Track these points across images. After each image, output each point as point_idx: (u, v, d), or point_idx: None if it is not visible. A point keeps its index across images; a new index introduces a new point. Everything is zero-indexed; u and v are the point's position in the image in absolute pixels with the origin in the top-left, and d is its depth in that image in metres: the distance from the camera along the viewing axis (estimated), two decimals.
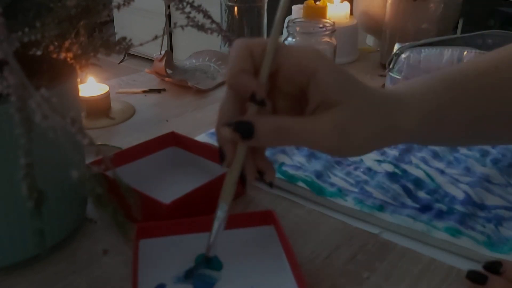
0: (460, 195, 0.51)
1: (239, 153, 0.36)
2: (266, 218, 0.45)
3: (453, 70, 0.41)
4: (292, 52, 0.36)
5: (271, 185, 0.39)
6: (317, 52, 0.35)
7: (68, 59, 0.42)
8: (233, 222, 0.44)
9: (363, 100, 0.36)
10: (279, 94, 0.37)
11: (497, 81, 0.40)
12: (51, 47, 0.41)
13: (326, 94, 0.35)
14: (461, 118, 0.40)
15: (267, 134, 0.34)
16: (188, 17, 0.41)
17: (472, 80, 0.40)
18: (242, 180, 0.37)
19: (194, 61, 0.96)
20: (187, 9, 0.40)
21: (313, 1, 0.96)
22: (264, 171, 0.37)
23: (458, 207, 0.49)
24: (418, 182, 0.54)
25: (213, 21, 0.42)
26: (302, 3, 0.97)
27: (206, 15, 0.41)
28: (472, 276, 0.40)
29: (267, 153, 0.58)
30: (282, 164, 0.56)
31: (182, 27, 0.41)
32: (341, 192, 0.51)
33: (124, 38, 0.41)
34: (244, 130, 0.34)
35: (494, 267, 0.39)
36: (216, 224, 0.38)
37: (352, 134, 0.35)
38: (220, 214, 0.38)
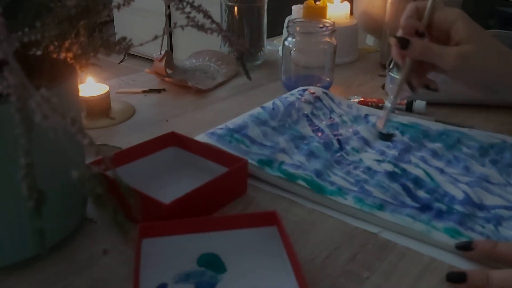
0: (459, 195, 0.51)
1: (407, 64, 0.57)
2: (269, 219, 0.45)
3: None
4: (441, 10, 0.56)
5: (436, 90, 0.58)
6: (457, 9, 0.56)
7: (68, 59, 0.42)
8: (235, 222, 0.45)
9: (488, 44, 0.56)
10: (432, 39, 0.56)
11: None
12: (51, 47, 0.41)
13: (461, 36, 0.54)
14: None
15: (416, 49, 0.55)
16: (188, 17, 0.41)
17: None
18: (411, 87, 0.58)
19: (194, 61, 0.96)
20: (187, 9, 0.40)
21: (313, 1, 0.96)
22: (428, 84, 0.58)
23: (458, 207, 0.49)
24: (417, 181, 0.54)
25: (213, 21, 0.42)
26: (302, 3, 0.97)
27: (206, 15, 0.41)
28: (452, 276, 0.40)
29: (267, 152, 0.58)
30: (282, 163, 0.56)
31: (182, 27, 0.41)
32: (341, 191, 0.51)
33: (124, 38, 0.41)
34: (403, 42, 0.55)
35: (466, 245, 0.44)
36: (385, 111, 0.60)
37: (469, 64, 0.54)
38: (387, 104, 0.60)
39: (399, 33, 0.57)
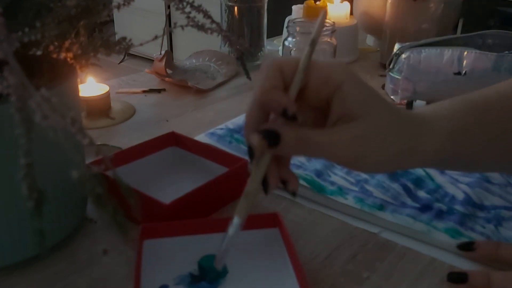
0: (459, 196, 0.51)
1: (262, 163, 0.36)
2: (271, 220, 0.45)
3: (474, 94, 0.43)
4: (320, 67, 0.37)
5: (294, 194, 0.38)
6: (345, 66, 0.37)
7: (68, 59, 0.42)
8: None
9: (385, 117, 0.37)
10: (305, 106, 0.38)
11: None
12: (51, 47, 0.41)
13: (349, 106, 0.36)
14: (484, 136, 0.41)
15: (291, 144, 0.36)
16: (188, 17, 0.41)
17: (495, 102, 0.41)
18: (264, 187, 0.37)
19: (194, 61, 0.96)
20: (187, 9, 0.40)
21: (313, 1, 0.96)
22: (287, 180, 0.38)
23: (458, 207, 0.49)
24: (418, 182, 0.54)
25: (213, 21, 0.42)
26: (302, 3, 0.97)
27: (206, 15, 0.41)
28: (453, 276, 0.40)
29: None
30: None
31: (182, 27, 0.41)
32: (341, 191, 0.51)
33: (124, 38, 0.41)
34: (271, 138, 0.35)
35: (467, 246, 0.43)
36: (226, 240, 0.37)
37: (370, 148, 0.36)
38: (231, 230, 0.36)
39: (252, 107, 0.38)
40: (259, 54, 0.99)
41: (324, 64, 0.37)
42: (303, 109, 0.38)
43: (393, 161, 0.38)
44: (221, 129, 0.62)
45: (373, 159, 0.37)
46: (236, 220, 0.36)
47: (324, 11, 0.39)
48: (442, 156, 0.40)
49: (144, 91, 0.83)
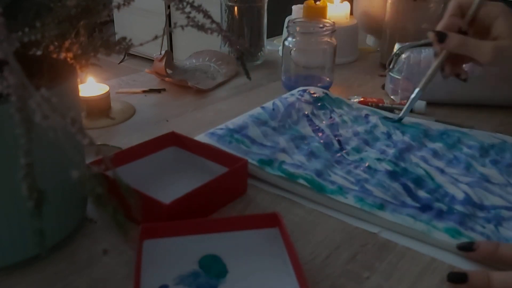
0: (460, 195, 0.51)
1: (442, 54, 0.62)
2: (271, 220, 0.45)
3: None
4: (486, 5, 0.60)
5: (465, 80, 0.63)
6: (503, 5, 0.60)
7: (68, 59, 0.42)
8: (237, 224, 0.44)
9: None
10: (472, 30, 0.61)
11: None
12: (51, 47, 0.41)
13: (499, 32, 0.58)
14: None
15: (453, 42, 0.59)
16: (188, 17, 0.41)
17: None
18: (442, 74, 0.63)
19: (194, 61, 0.96)
20: (187, 9, 0.40)
21: (313, 1, 0.96)
22: (460, 73, 0.63)
23: (458, 207, 0.49)
24: (418, 181, 0.54)
25: (213, 21, 0.42)
26: (302, 3, 0.97)
27: (206, 15, 0.41)
28: (453, 276, 0.40)
29: (268, 151, 0.58)
30: (282, 162, 0.56)
31: (182, 27, 0.41)
32: (341, 190, 0.51)
33: (124, 38, 0.41)
34: (440, 36, 0.60)
35: (467, 246, 0.43)
36: (409, 101, 0.66)
37: (504, 58, 0.58)
38: (414, 94, 0.65)
39: (439, 27, 0.61)
40: (259, 54, 0.99)
41: (489, 4, 0.60)
42: (471, 32, 0.60)
43: None
44: (221, 129, 0.62)
45: (508, 66, 0.60)
46: (418, 88, 0.64)
47: None
48: None
49: (144, 91, 0.83)
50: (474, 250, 0.43)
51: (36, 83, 0.28)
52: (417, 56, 0.77)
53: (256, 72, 0.94)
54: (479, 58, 0.58)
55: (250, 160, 0.55)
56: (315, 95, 0.73)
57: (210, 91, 0.84)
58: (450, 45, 0.59)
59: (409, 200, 0.51)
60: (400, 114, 0.66)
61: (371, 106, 0.75)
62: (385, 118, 0.69)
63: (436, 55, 0.63)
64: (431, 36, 0.60)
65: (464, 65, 0.65)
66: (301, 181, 0.53)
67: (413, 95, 0.64)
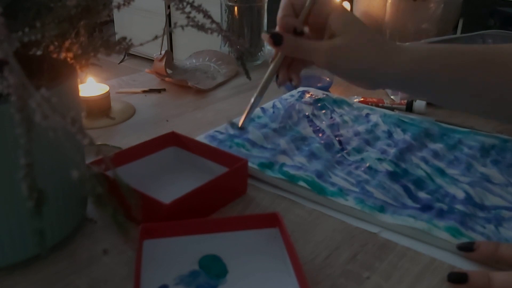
0: (460, 195, 0.51)
1: (278, 58, 0.55)
2: (271, 220, 0.45)
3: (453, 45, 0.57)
4: (319, 2, 0.54)
5: (295, 87, 0.58)
6: (336, 3, 0.54)
7: (68, 59, 0.42)
8: (237, 224, 0.44)
9: (360, 37, 0.52)
10: (310, 29, 0.56)
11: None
12: (51, 47, 0.41)
13: (333, 30, 0.52)
14: (445, 74, 0.52)
15: (289, 45, 0.53)
16: (188, 17, 0.41)
17: (459, 52, 0.54)
18: (276, 79, 0.56)
19: (194, 61, 0.96)
20: (187, 9, 0.40)
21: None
22: (292, 79, 0.56)
23: (459, 207, 0.49)
24: (418, 182, 0.54)
25: (213, 21, 0.42)
26: None
27: (206, 15, 0.41)
28: (453, 277, 0.40)
29: (268, 154, 0.58)
30: (283, 164, 0.56)
31: (182, 27, 0.41)
32: (342, 192, 0.51)
33: (124, 38, 0.41)
34: (276, 39, 0.53)
35: (467, 246, 0.43)
36: (248, 107, 0.55)
37: (342, 57, 0.52)
38: (252, 100, 0.55)
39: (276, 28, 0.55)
40: (259, 54, 0.99)
41: (321, 2, 0.54)
42: (312, 35, 0.55)
43: (363, 71, 0.52)
44: (222, 133, 0.62)
45: (343, 66, 0.52)
46: (255, 94, 0.55)
47: None
48: (409, 73, 0.52)
49: (144, 91, 0.83)
50: (474, 250, 0.43)
51: (36, 83, 0.28)
52: None
53: (256, 72, 0.93)
54: (315, 61, 0.53)
55: (250, 164, 0.55)
56: (315, 97, 0.73)
57: (210, 91, 0.84)
58: (286, 48, 0.53)
59: (409, 202, 0.51)
60: (240, 123, 0.55)
61: (371, 105, 0.75)
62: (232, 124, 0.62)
63: (272, 59, 0.56)
64: (265, 38, 0.53)
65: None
66: (302, 183, 0.53)
67: (251, 101, 0.55)
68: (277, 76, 0.56)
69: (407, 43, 0.55)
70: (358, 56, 0.52)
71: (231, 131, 0.63)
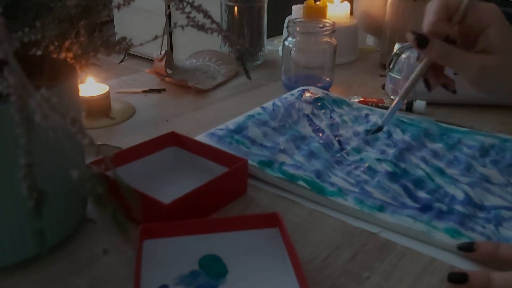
0: (460, 196, 0.51)
1: (424, 61, 0.52)
2: (271, 220, 0.45)
3: None
4: (476, 7, 0.49)
5: (454, 91, 0.53)
6: (496, 10, 0.49)
7: (68, 59, 0.42)
8: (237, 224, 0.44)
9: (509, 59, 0.48)
10: (462, 34, 0.50)
11: None
12: (51, 47, 0.41)
13: (489, 44, 0.48)
14: None
15: (435, 50, 0.49)
16: (188, 17, 0.41)
17: None
18: (427, 86, 0.53)
19: (194, 61, 0.96)
20: (187, 9, 0.40)
21: (313, 1, 0.96)
22: (447, 84, 0.53)
23: (458, 207, 0.49)
24: (418, 182, 0.54)
25: (213, 21, 0.42)
26: (302, 3, 0.97)
27: (206, 15, 0.41)
28: (453, 277, 0.40)
29: (268, 152, 0.58)
30: (282, 163, 0.56)
31: (182, 27, 0.41)
32: (341, 192, 0.51)
33: (124, 38, 0.41)
34: (421, 41, 0.48)
35: (467, 246, 0.43)
36: (390, 109, 0.55)
37: (491, 78, 0.48)
38: (395, 102, 0.54)
39: (424, 28, 0.51)
40: (259, 54, 0.99)
41: (481, 6, 0.49)
42: (460, 36, 0.50)
43: (507, 89, 0.49)
44: (221, 129, 0.62)
45: (491, 87, 0.50)
46: (398, 96, 0.54)
47: None
48: None
49: (144, 91, 0.83)
50: (474, 250, 0.43)
51: (36, 83, 0.28)
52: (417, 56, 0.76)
53: (256, 72, 0.94)
54: (462, 74, 0.49)
55: (250, 162, 0.55)
56: (315, 96, 0.73)
57: (210, 91, 0.84)
58: (431, 53, 0.49)
59: (409, 201, 0.51)
60: (381, 123, 0.57)
61: (371, 106, 0.75)
62: (367, 130, 0.65)
63: (418, 59, 0.53)
64: (410, 38, 0.50)
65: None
66: (301, 182, 0.53)
67: (393, 104, 0.55)
68: (425, 81, 0.53)
69: None
70: (507, 78, 0.48)
71: (231, 127, 0.63)
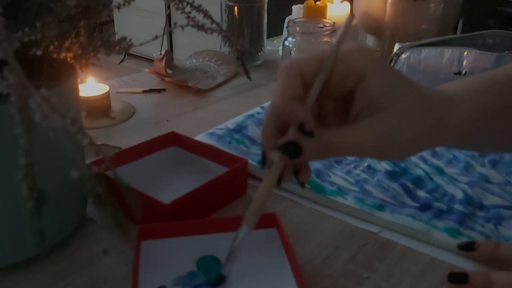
0: (459, 195, 0.51)
1: (274, 169, 0.36)
2: (269, 220, 0.45)
3: (500, 73, 0.41)
4: (342, 57, 0.35)
5: (302, 185, 0.38)
6: (367, 53, 0.36)
7: (68, 59, 0.42)
8: (235, 224, 0.44)
9: (411, 107, 0.35)
10: (327, 96, 0.37)
11: None
12: (51, 47, 0.41)
13: (373, 98, 0.35)
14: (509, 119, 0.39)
15: (313, 152, 0.35)
16: (188, 17, 0.41)
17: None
18: (279, 184, 0.37)
19: (194, 61, 0.96)
20: (187, 9, 0.40)
21: (313, 1, 0.96)
22: (299, 171, 0.37)
23: (458, 207, 0.49)
24: (417, 181, 0.54)
25: (213, 21, 0.42)
26: (302, 3, 0.97)
27: (206, 15, 0.41)
28: (453, 277, 0.40)
29: None
30: None
31: (182, 27, 0.41)
32: (341, 191, 0.51)
33: (124, 38, 0.41)
34: (293, 151, 0.34)
35: (468, 246, 0.43)
36: (234, 246, 0.37)
37: (397, 139, 0.35)
38: (240, 235, 0.37)
39: (269, 118, 0.37)
40: (259, 54, 0.99)
41: (346, 54, 0.35)
42: (325, 99, 0.37)
43: (422, 141, 0.37)
44: (221, 129, 0.62)
45: (397, 151, 0.36)
46: (244, 228, 0.37)
47: (349, 17, 0.37)
48: (470, 132, 0.38)
49: (144, 91, 0.83)
50: (475, 250, 0.43)
51: (36, 83, 0.28)
52: (417, 56, 0.77)
53: (256, 72, 0.94)
54: (360, 157, 0.38)
55: (250, 161, 0.55)
56: None
57: (210, 91, 0.84)
58: (310, 157, 0.35)
59: (408, 201, 0.51)
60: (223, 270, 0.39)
61: None
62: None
63: (264, 166, 0.38)
64: (275, 157, 0.35)
65: None
66: None
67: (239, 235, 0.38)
68: (280, 180, 0.37)
69: (455, 85, 0.40)
70: (412, 136, 0.36)
71: (230, 126, 0.63)
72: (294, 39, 0.82)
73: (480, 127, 0.39)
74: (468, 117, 0.38)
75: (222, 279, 0.39)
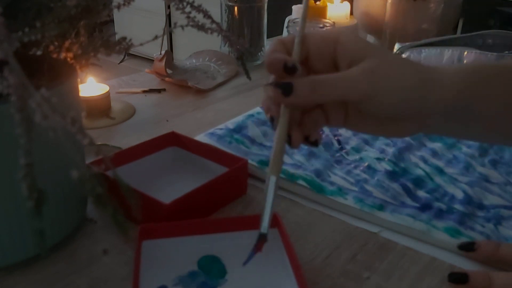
0: (459, 195, 0.51)
1: (282, 121, 0.38)
2: None
3: (483, 63, 0.42)
4: (314, 33, 0.40)
5: (316, 144, 0.40)
6: (338, 29, 0.39)
7: (68, 59, 0.42)
8: (236, 224, 0.44)
9: (391, 55, 0.38)
10: (313, 73, 0.39)
11: None
12: (51, 47, 0.41)
13: (354, 51, 0.37)
14: (494, 103, 0.39)
15: (304, 90, 0.36)
16: (188, 17, 0.41)
17: (504, 72, 0.40)
18: (289, 143, 0.39)
19: (194, 61, 0.96)
20: (187, 9, 0.40)
21: (313, 1, 0.96)
22: (308, 134, 0.39)
23: (458, 207, 0.49)
24: (417, 181, 0.54)
25: (213, 21, 0.42)
26: (302, 3, 0.97)
27: (206, 15, 0.41)
28: (453, 277, 0.40)
29: (268, 152, 0.58)
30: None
31: (182, 27, 0.41)
32: (341, 191, 0.51)
33: (124, 38, 0.41)
34: (284, 87, 0.36)
35: (468, 246, 0.43)
36: (268, 199, 0.37)
37: (382, 80, 0.36)
38: (270, 187, 0.38)
39: (270, 78, 0.39)
40: (259, 54, 0.99)
41: (318, 31, 0.39)
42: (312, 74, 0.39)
43: (406, 98, 0.37)
44: (221, 129, 0.62)
45: (386, 95, 0.37)
46: (272, 178, 0.38)
47: None
48: (458, 101, 0.38)
49: (144, 91, 0.83)
50: (475, 250, 0.43)
51: (36, 83, 0.28)
52: (417, 56, 0.77)
53: (256, 72, 0.93)
54: (350, 94, 0.36)
55: (250, 161, 0.55)
56: None
57: (210, 91, 0.84)
58: (302, 95, 0.36)
59: (408, 201, 0.51)
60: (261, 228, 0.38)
61: None
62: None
63: (274, 125, 0.39)
64: (268, 91, 0.38)
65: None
66: (301, 182, 0.53)
67: (267, 182, 0.39)
68: (290, 138, 0.38)
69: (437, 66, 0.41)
70: (398, 77, 0.37)
71: (230, 126, 0.63)
72: None
73: (463, 107, 0.38)
74: (453, 88, 0.38)
75: (263, 237, 0.37)
